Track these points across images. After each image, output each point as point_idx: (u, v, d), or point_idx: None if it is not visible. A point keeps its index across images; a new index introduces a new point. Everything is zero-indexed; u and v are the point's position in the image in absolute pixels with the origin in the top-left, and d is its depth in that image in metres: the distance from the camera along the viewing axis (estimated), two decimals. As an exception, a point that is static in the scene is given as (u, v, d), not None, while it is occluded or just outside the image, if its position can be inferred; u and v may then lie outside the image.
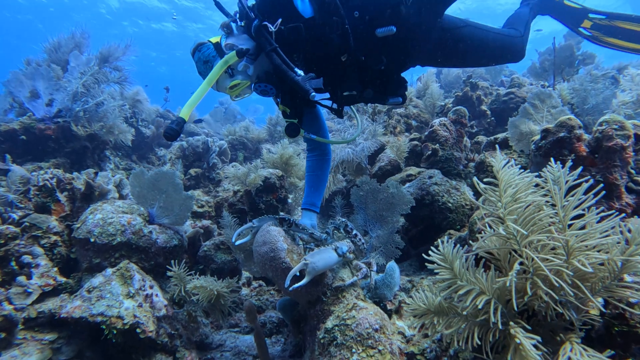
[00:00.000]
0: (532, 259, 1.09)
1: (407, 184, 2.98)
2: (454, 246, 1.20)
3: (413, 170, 3.11)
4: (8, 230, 2.04)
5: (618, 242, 1.01)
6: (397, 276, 2.11)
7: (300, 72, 1.74)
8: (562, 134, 1.52)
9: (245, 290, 3.11)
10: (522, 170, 1.16)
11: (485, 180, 1.14)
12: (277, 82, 1.89)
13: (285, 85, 1.97)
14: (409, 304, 1.25)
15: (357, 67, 1.96)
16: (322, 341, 1.71)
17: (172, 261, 2.15)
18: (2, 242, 2.02)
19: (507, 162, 1.14)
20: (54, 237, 2.26)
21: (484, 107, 4.40)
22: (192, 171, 4.21)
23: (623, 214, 1.06)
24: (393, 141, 3.38)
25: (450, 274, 1.14)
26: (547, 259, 1.06)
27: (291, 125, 2.03)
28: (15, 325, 1.86)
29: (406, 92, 2.13)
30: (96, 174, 2.47)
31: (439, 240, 1.18)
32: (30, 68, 3.53)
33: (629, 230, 0.96)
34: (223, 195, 3.78)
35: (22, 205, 2.24)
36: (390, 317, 1.99)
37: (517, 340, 0.94)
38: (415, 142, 3.34)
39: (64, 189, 2.38)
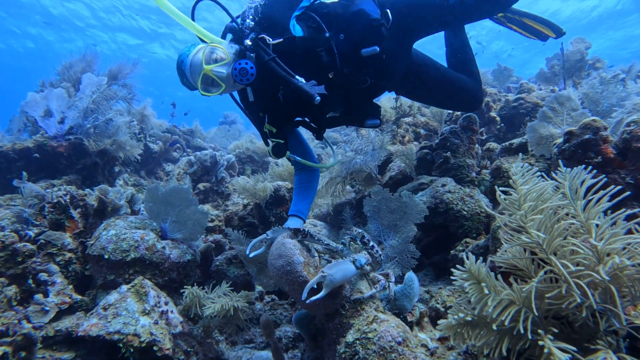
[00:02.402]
0: (564, 266, 1.05)
1: (420, 193, 2.95)
2: (476, 259, 1.18)
3: (425, 178, 3.08)
4: (25, 247, 2.04)
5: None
6: (417, 287, 2.07)
7: (301, 79, 1.76)
8: (587, 136, 1.49)
9: (258, 305, 3.07)
10: (540, 175, 1.14)
11: (501, 189, 1.12)
12: (259, 69, 1.85)
13: (272, 102, 2.03)
14: (411, 312, 1.21)
15: (342, 86, 2.03)
16: (343, 356, 1.67)
17: (183, 279, 2.13)
18: (20, 259, 2.02)
19: (526, 169, 1.11)
20: (69, 254, 2.26)
21: (493, 114, 4.38)
22: (200, 186, 4.22)
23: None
24: (402, 150, 3.36)
25: (478, 288, 1.11)
26: (574, 266, 1.03)
27: (278, 145, 2.06)
28: (35, 343, 1.84)
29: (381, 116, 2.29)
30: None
31: (462, 255, 1.15)
32: (45, 90, 3.60)
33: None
34: (233, 209, 3.78)
35: (38, 223, 2.24)
36: (411, 329, 1.94)
37: (546, 350, 0.91)
38: (426, 151, 3.32)
39: (77, 205, 2.39)
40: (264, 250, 2.03)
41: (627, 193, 1.00)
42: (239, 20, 1.92)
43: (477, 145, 3.34)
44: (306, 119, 2.23)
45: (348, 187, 4.07)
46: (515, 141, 2.66)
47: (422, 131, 4.19)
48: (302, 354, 2.41)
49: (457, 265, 1.15)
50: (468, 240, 2.59)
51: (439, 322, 1.25)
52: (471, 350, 1.62)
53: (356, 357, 1.62)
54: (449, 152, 3.11)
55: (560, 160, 1.05)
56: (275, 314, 2.92)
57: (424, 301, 2.28)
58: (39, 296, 1.95)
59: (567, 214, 1.12)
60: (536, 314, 1.00)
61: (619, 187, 1.00)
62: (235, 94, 2.11)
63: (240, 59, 1.83)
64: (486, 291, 1.05)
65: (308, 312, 2.11)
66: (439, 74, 2.38)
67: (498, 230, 1.64)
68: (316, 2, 2.13)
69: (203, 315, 2.01)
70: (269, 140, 2.11)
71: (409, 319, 2.00)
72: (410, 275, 2.08)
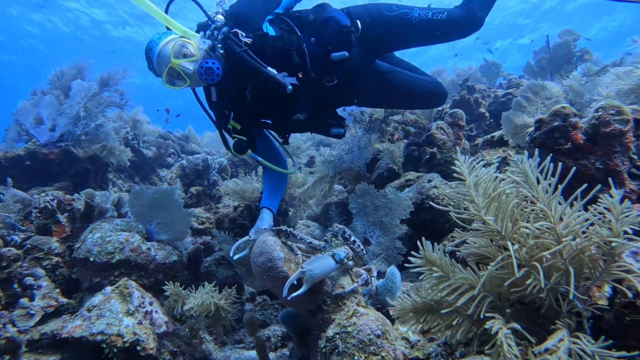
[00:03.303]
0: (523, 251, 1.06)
1: (407, 189, 2.96)
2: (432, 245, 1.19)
3: (412, 175, 3.09)
4: (10, 252, 2.06)
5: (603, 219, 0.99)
6: (399, 281, 2.07)
7: (273, 70, 1.79)
8: (556, 123, 1.50)
9: (249, 305, 3.07)
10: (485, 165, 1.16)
11: (451, 183, 1.14)
12: (229, 63, 1.89)
13: (238, 100, 2.07)
14: (394, 306, 1.22)
15: (310, 86, 2.09)
16: (323, 350, 1.68)
17: (170, 280, 2.14)
18: (5, 264, 2.04)
19: (472, 159, 1.13)
20: (56, 259, 2.28)
21: (482, 110, 4.39)
22: (193, 189, 4.24)
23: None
24: (390, 147, 3.38)
25: (433, 272, 1.12)
26: (532, 249, 1.03)
27: (240, 142, 2.09)
28: (19, 347, 1.86)
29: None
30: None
31: (418, 242, 1.16)
32: (35, 97, 3.65)
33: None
34: (224, 211, 3.79)
35: (24, 228, 2.27)
36: (393, 322, 1.94)
37: (493, 331, 0.91)
38: (413, 147, 3.33)
39: (65, 210, 2.42)
40: (247, 252, 2.04)
41: (573, 169, 1.00)
42: (212, 17, 1.96)
43: (464, 141, 3.35)
44: (269, 121, 2.26)
45: (340, 187, 4.08)
46: (497, 134, 2.67)
47: (411, 129, 4.19)
48: (290, 352, 2.41)
49: (412, 252, 1.16)
50: (454, 234, 2.59)
51: (392, 302, 1.25)
52: (449, 342, 1.62)
53: (336, 351, 1.62)
54: (435, 148, 3.12)
55: (510, 151, 1.06)
56: (265, 314, 2.92)
57: (409, 296, 2.28)
58: (24, 300, 1.97)
59: (526, 200, 1.13)
60: (477, 292, 1.00)
61: (559, 165, 1.01)
62: (201, 90, 2.14)
63: (210, 57, 1.86)
64: (436, 274, 1.06)
65: (294, 309, 2.12)
66: (406, 77, 2.47)
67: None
68: (289, 11, 2.22)
69: (182, 310, 2.03)
70: (231, 136, 2.15)
71: (392, 313, 2.00)
72: (392, 269, 2.08)
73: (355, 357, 1.56)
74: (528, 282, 1.06)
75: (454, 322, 1.15)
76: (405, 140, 4.04)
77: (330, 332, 1.70)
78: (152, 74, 2.00)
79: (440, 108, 4.51)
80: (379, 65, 2.41)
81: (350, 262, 1.95)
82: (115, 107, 4.01)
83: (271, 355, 2.46)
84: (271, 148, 2.36)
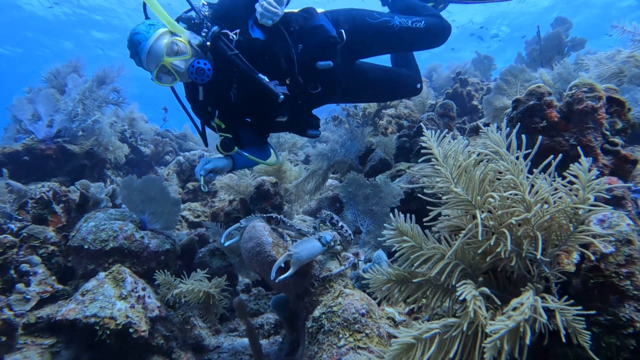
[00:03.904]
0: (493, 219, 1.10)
1: (398, 179, 3.00)
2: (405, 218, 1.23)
3: (403, 165, 3.13)
4: (6, 239, 2.11)
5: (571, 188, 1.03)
6: (385, 264, 2.11)
7: (265, 77, 1.83)
8: (532, 102, 1.54)
9: (243, 296, 3.12)
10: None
11: (422, 160, 1.18)
12: (218, 63, 1.91)
13: (223, 100, 2.10)
14: (368, 278, 1.25)
15: (295, 92, 2.14)
16: (310, 330, 1.72)
17: (163, 269, 2.19)
18: (1, 250, 2.09)
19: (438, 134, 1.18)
20: (52, 247, 2.33)
21: (475, 102, 4.43)
22: (189, 185, 4.29)
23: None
24: (383, 140, 3.42)
25: (405, 242, 1.16)
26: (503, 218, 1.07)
27: (226, 140, 2.14)
28: (15, 329, 1.90)
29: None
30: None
31: (391, 214, 1.20)
32: (32, 93, 3.71)
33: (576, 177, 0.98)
34: (219, 205, 3.84)
35: (20, 217, 2.32)
36: (379, 304, 1.98)
37: (462, 297, 0.95)
38: (405, 139, 3.37)
39: (60, 200, 2.47)
40: (238, 239, 2.08)
41: (540, 137, 1.04)
42: (193, 12, 1.98)
43: (455, 132, 3.38)
44: (250, 121, 2.30)
45: (337, 182, 4.13)
46: (482, 120, 2.70)
47: (405, 122, 4.24)
48: (282, 339, 2.45)
49: (385, 224, 1.20)
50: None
51: (364, 275, 1.29)
52: (432, 319, 1.66)
53: (322, 330, 1.66)
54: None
55: (480, 122, 1.10)
56: (259, 304, 2.96)
57: (398, 281, 2.32)
58: (20, 285, 2.02)
59: (499, 172, 1.17)
60: (447, 259, 1.04)
61: (523, 137, 1.04)
62: (180, 85, 2.15)
63: (200, 56, 1.88)
64: (407, 244, 1.09)
65: (284, 295, 2.16)
66: (383, 75, 2.57)
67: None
68: None
69: (173, 296, 2.07)
70: (218, 133, 2.19)
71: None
72: (379, 253, 2.12)
73: (340, 335, 1.60)
74: (498, 249, 1.10)
75: (428, 292, 1.18)
76: (398, 134, 4.09)
77: (316, 312, 1.74)
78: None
79: (433, 102, 4.56)
80: (356, 64, 2.48)
81: (339, 247, 1.99)
82: (112, 104, 4.06)
83: (264, 341, 2.50)
84: (255, 138, 2.41)
